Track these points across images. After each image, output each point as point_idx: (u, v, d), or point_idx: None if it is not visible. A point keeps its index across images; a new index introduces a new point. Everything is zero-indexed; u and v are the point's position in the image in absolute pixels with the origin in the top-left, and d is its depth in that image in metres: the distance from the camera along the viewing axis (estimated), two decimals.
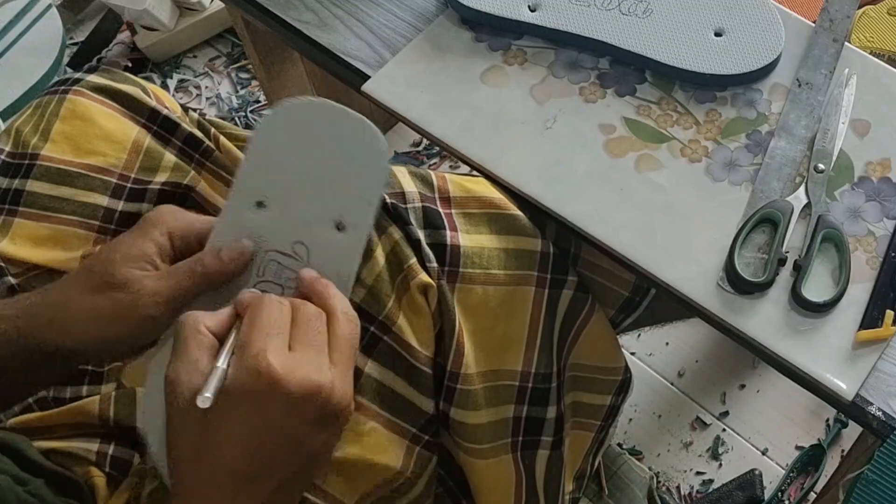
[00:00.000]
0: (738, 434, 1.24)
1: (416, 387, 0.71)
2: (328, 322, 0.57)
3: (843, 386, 0.67)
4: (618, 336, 0.85)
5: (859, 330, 0.68)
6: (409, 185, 0.72)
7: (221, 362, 0.53)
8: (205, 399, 0.51)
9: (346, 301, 0.60)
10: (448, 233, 0.71)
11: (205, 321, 0.56)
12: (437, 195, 0.72)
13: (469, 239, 0.72)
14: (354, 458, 0.69)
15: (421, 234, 0.70)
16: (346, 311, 0.58)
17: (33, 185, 0.77)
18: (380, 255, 0.68)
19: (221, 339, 0.56)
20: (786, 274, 0.71)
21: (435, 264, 0.70)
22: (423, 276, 0.69)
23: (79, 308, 0.61)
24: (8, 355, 0.62)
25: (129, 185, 0.80)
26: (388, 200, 0.70)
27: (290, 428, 0.53)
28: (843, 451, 1.22)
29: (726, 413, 1.25)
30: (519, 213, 0.74)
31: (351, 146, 0.65)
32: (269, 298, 0.57)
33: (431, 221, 0.71)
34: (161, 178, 0.81)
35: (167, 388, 0.54)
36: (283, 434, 0.53)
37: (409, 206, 0.70)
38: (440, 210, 0.71)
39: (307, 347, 0.55)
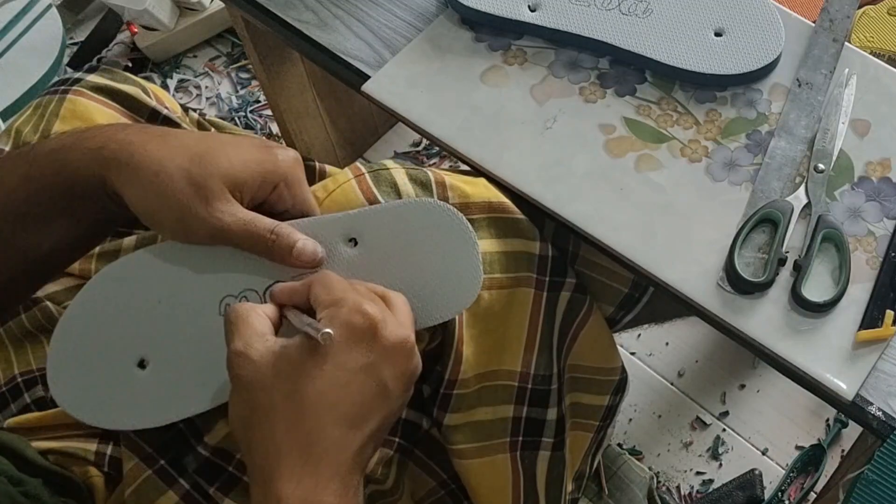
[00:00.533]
0: (738, 434, 1.24)
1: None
2: (387, 301, 0.60)
3: (843, 386, 0.67)
4: (617, 335, 0.85)
5: (859, 330, 0.68)
6: (409, 193, 0.71)
7: (310, 320, 0.56)
8: (326, 335, 0.54)
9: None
10: None
11: (259, 307, 0.58)
12: (436, 199, 0.72)
13: None
14: None
15: None
16: (399, 294, 0.61)
17: None
18: None
19: (273, 324, 0.58)
20: (786, 274, 0.71)
21: None
22: None
23: (164, 183, 0.59)
24: (81, 186, 0.61)
25: None
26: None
27: (385, 375, 0.56)
28: (843, 451, 1.22)
29: (726, 413, 1.25)
30: (517, 215, 0.74)
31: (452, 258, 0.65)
32: (327, 272, 0.60)
33: None
34: None
35: (239, 361, 0.55)
36: (380, 380, 0.56)
37: None
38: None
39: (381, 308, 0.57)
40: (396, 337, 0.56)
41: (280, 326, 0.59)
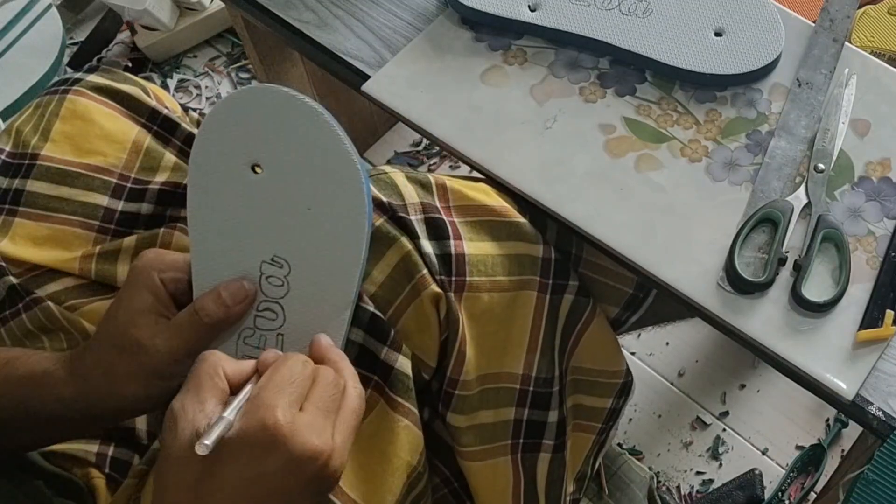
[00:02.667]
0: (738, 434, 1.24)
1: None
2: (342, 394, 0.58)
3: (844, 386, 0.67)
4: (619, 336, 0.85)
5: (859, 330, 0.68)
6: (411, 194, 0.71)
7: (229, 413, 0.53)
8: (203, 446, 0.51)
9: (356, 375, 0.60)
10: (453, 242, 0.70)
11: (225, 367, 0.57)
12: (437, 202, 0.72)
13: (473, 247, 0.71)
14: (392, 458, 0.69)
15: (429, 247, 0.69)
16: (356, 386, 0.59)
17: (33, 185, 0.78)
18: (389, 265, 0.68)
19: (235, 389, 0.56)
20: (786, 274, 0.71)
21: (445, 278, 0.69)
22: (434, 287, 0.68)
23: (115, 371, 0.61)
24: (58, 416, 0.62)
25: (129, 185, 0.80)
26: (394, 207, 0.70)
27: (284, 487, 0.53)
28: (843, 450, 1.22)
29: (726, 413, 1.25)
30: (520, 219, 0.74)
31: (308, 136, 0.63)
32: (296, 356, 0.57)
33: (436, 231, 0.70)
34: (161, 177, 0.81)
35: (169, 420, 0.54)
36: (277, 492, 0.53)
37: (413, 217, 0.69)
38: (444, 218, 0.71)
39: (318, 411, 0.55)
40: (304, 450, 0.53)
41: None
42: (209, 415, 0.53)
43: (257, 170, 0.63)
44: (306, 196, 0.63)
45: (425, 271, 0.68)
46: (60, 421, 0.63)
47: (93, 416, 0.63)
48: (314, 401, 0.55)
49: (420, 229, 0.69)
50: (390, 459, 0.69)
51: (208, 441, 0.51)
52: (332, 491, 0.57)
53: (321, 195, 0.63)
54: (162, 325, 0.61)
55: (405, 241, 0.68)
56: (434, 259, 0.69)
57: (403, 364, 0.68)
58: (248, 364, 0.58)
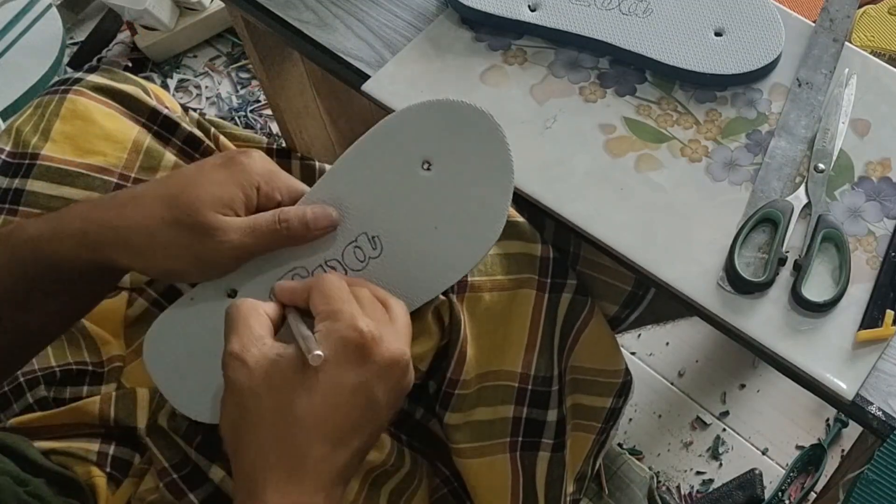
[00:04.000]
0: (738, 434, 1.24)
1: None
2: (387, 308, 0.59)
3: (844, 386, 0.67)
4: (618, 335, 0.85)
5: (859, 330, 0.68)
6: None
7: (306, 331, 0.55)
8: (317, 356, 0.53)
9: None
10: None
11: (262, 306, 0.58)
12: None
13: None
14: None
15: None
16: (399, 302, 0.60)
17: (34, 185, 0.78)
18: None
19: (274, 325, 0.58)
20: (786, 274, 0.71)
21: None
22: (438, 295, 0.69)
23: (160, 241, 0.60)
24: (72, 270, 0.61)
25: (129, 184, 0.80)
26: None
27: (377, 393, 0.55)
28: (843, 450, 1.22)
29: (726, 413, 1.25)
30: (518, 218, 0.74)
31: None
32: (330, 276, 0.59)
33: None
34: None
35: (234, 364, 0.55)
36: (371, 398, 0.55)
37: None
38: None
39: (378, 321, 0.57)
40: (391, 354, 0.55)
41: (281, 326, 0.59)
42: (272, 345, 0.55)
43: (426, 166, 0.65)
44: (452, 205, 0.65)
45: None
46: (62, 283, 0.62)
47: (97, 270, 0.61)
48: (370, 314, 0.57)
49: None
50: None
51: (319, 351, 0.53)
52: (404, 396, 0.59)
53: (462, 213, 0.65)
54: (237, 221, 0.61)
55: None
56: None
57: None
58: (272, 304, 0.59)
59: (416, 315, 0.69)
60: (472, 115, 0.65)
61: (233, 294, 0.66)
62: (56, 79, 1.52)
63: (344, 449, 0.55)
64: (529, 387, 0.76)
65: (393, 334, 0.57)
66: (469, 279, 0.71)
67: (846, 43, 0.82)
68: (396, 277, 0.65)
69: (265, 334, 0.56)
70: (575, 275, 0.77)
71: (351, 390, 0.54)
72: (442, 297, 0.69)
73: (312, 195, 0.65)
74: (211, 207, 0.60)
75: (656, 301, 0.85)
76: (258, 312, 0.57)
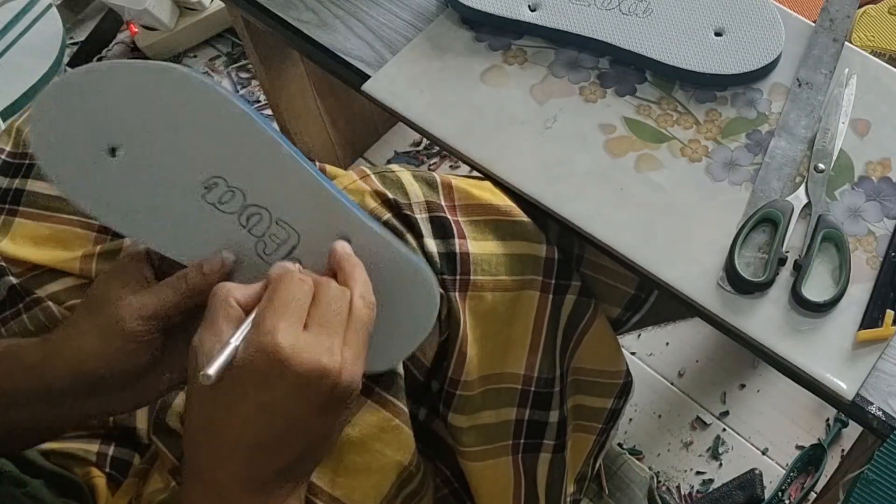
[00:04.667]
0: (738, 434, 1.24)
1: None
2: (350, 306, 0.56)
3: (844, 386, 0.67)
4: (619, 336, 0.85)
5: (859, 330, 0.68)
6: (416, 193, 0.71)
7: (234, 338, 0.52)
8: (205, 377, 0.50)
9: (368, 286, 0.58)
10: (457, 241, 0.70)
11: (235, 293, 0.55)
12: (442, 201, 0.72)
13: (477, 246, 0.71)
14: (377, 455, 0.69)
15: (433, 245, 0.69)
16: (364, 296, 0.57)
17: (34, 185, 0.78)
18: None
19: (249, 312, 0.55)
20: (786, 274, 0.71)
21: (449, 277, 0.69)
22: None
23: (79, 331, 0.60)
24: (28, 388, 0.61)
25: None
26: (399, 204, 0.69)
27: (294, 410, 0.52)
28: (843, 450, 1.22)
29: (726, 413, 1.25)
30: (523, 218, 0.74)
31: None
32: (292, 275, 0.56)
33: (441, 230, 0.70)
34: None
35: (190, 357, 0.53)
36: (289, 417, 0.52)
37: (418, 215, 0.69)
38: (448, 217, 0.71)
39: (322, 328, 0.54)
40: (312, 369, 0.52)
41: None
42: (225, 343, 0.53)
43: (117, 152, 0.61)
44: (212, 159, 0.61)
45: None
46: (25, 399, 0.61)
47: (54, 390, 0.61)
48: (317, 318, 0.54)
49: (425, 228, 0.69)
50: (378, 458, 0.68)
51: (210, 370, 0.50)
52: (348, 409, 0.56)
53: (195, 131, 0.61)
54: (139, 286, 0.60)
55: (410, 239, 0.68)
56: (437, 258, 0.69)
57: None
58: (257, 285, 0.57)
59: None
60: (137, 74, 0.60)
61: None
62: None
63: (265, 466, 0.53)
64: (532, 388, 0.76)
65: (327, 344, 0.53)
66: (472, 277, 0.71)
67: (846, 43, 0.82)
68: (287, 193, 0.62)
69: (226, 329, 0.54)
70: (579, 276, 0.77)
71: (262, 409, 0.52)
72: (441, 291, 0.69)
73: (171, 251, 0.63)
74: (106, 285, 0.60)
75: (659, 303, 0.85)
76: (228, 303, 0.55)
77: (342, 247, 0.60)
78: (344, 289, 0.56)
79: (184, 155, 0.62)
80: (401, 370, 0.68)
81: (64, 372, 0.60)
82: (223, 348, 0.52)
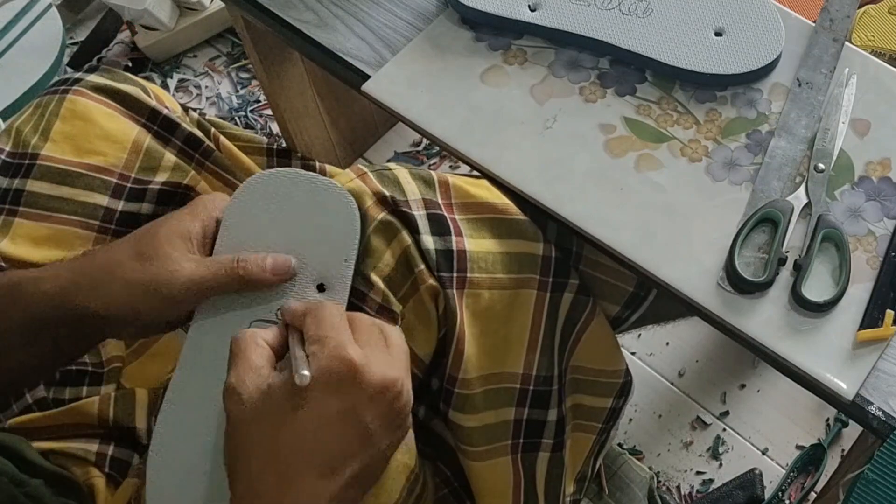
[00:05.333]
0: (738, 434, 1.24)
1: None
2: (385, 333, 0.59)
3: (844, 385, 0.67)
4: (619, 336, 0.85)
5: (859, 330, 0.68)
6: (413, 191, 0.71)
7: (298, 350, 0.55)
8: (302, 376, 0.53)
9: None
10: (454, 238, 0.70)
11: (262, 334, 0.58)
12: (439, 199, 0.72)
13: (474, 243, 0.71)
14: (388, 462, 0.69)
15: (430, 242, 0.69)
16: (395, 328, 0.61)
17: (33, 185, 0.78)
18: (390, 259, 0.68)
19: (276, 351, 0.58)
20: (786, 274, 0.71)
21: (446, 273, 0.69)
22: (433, 282, 0.69)
23: (118, 273, 0.61)
24: (47, 315, 0.62)
25: (129, 184, 0.80)
26: (396, 201, 0.70)
27: (366, 419, 0.54)
28: (843, 450, 1.21)
29: (726, 413, 1.25)
30: (520, 217, 0.74)
31: (323, 209, 0.66)
32: (327, 303, 0.59)
33: (438, 227, 0.70)
34: (161, 177, 0.81)
35: (230, 397, 0.55)
36: (361, 425, 0.54)
37: (415, 212, 0.69)
38: (445, 215, 0.71)
39: (372, 347, 0.56)
40: (380, 380, 0.55)
41: (286, 352, 0.59)
42: (267, 375, 0.55)
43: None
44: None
45: (423, 266, 0.68)
46: (42, 324, 0.62)
47: (74, 318, 0.62)
48: (363, 340, 0.57)
49: (422, 224, 0.69)
50: (389, 464, 0.69)
51: (305, 371, 0.53)
52: (403, 427, 0.59)
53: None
54: (195, 256, 0.62)
55: (405, 235, 0.68)
56: (434, 254, 0.69)
57: None
58: (275, 329, 0.60)
59: (413, 301, 0.69)
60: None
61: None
62: (56, 79, 1.52)
63: (332, 479, 0.54)
64: (531, 387, 0.76)
65: (385, 360, 0.56)
66: (468, 275, 0.71)
67: (846, 43, 0.82)
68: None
69: (263, 364, 0.56)
70: (577, 275, 0.77)
71: (337, 418, 0.54)
72: (437, 285, 0.69)
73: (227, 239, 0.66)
74: (168, 239, 0.62)
75: (658, 302, 0.85)
76: (256, 343, 0.57)
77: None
78: (372, 319, 0.60)
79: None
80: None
81: (87, 307, 0.61)
82: (297, 359, 0.54)
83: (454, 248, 0.70)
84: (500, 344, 0.74)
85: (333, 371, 0.54)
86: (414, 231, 0.68)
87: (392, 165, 0.72)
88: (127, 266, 0.61)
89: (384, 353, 0.57)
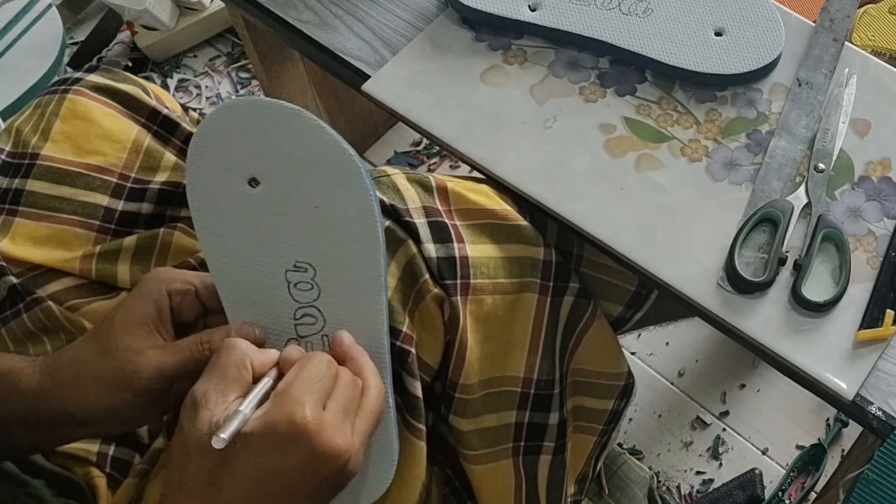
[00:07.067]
0: (738, 434, 1.24)
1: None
2: (363, 392, 0.58)
3: (844, 385, 0.67)
4: (620, 336, 0.85)
5: (859, 329, 0.68)
6: (413, 198, 0.71)
7: (245, 407, 0.54)
8: (220, 440, 0.51)
9: (377, 373, 0.60)
10: (456, 245, 0.70)
11: (253, 357, 0.57)
12: (439, 205, 0.72)
13: (475, 249, 0.71)
14: (406, 479, 0.69)
15: (433, 250, 0.69)
16: (377, 385, 0.59)
17: (33, 185, 0.78)
18: (395, 269, 0.68)
19: (257, 381, 0.57)
20: (786, 274, 0.71)
21: (449, 281, 0.69)
22: (438, 290, 0.69)
23: (86, 372, 0.60)
24: (22, 413, 0.61)
25: (129, 184, 0.80)
26: (398, 210, 0.69)
27: (300, 483, 0.53)
28: (843, 450, 1.22)
29: (726, 413, 1.25)
30: (521, 221, 0.73)
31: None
32: (321, 355, 0.58)
33: (439, 235, 0.70)
34: (161, 177, 0.81)
35: (189, 406, 0.54)
36: (291, 488, 0.53)
37: (417, 220, 0.69)
38: (446, 221, 0.71)
39: (340, 410, 0.55)
40: (328, 448, 0.53)
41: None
42: (230, 408, 0.54)
43: (253, 184, 0.63)
44: (311, 197, 0.63)
45: (427, 276, 0.68)
46: (19, 423, 0.62)
47: (49, 419, 0.61)
48: (337, 400, 0.55)
49: (423, 233, 0.69)
50: (406, 480, 0.70)
51: (225, 435, 0.51)
52: (339, 490, 0.57)
53: (326, 193, 0.63)
54: (157, 340, 0.61)
55: (411, 244, 0.68)
56: (437, 263, 0.69)
57: (416, 387, 0.69)
58: (272, 355, 0.59)
59: (420, 310, 0.69)
60: (274, 111, 0.63)
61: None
62: (56, 79, 1.52)
63: None
64: (532, 391, 0.76)
65: (342, 429, 0.55)
66: (472, 281, 0.70)
67: (846, 43, 0.82)
68: (344, 269, 0.64)
69: (233, 390, 0.55)
70: (577, 278, 0.77)
71: (270, 477, 0.53)
72: (441, 293, 0.69)
73: (226, 295, 0.64)
74: (125, 329, 0.60)
75: (660, 301, 0.85)
76: (243, 365, 0.56)
77: (346, 336, 0.62)
78: (356, 378, 0.58)
79: (300, 219, 0.64)
80: (420, 393, 0.68)
81: (62, 408, 0.61)
82: (234, 416, 0.53)
83: (457, 254, 0.70)
84: (501, 348, 0.74)
85: (278, 430, 0.53)
86: (416, 240, 0.68)
87: (389, 170, 0.72)
88: (92, 364, 0.60)
89: (344, 418, 0.55)
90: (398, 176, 0.72)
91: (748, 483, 1.17)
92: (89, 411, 0.61)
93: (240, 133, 0.63)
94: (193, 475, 0.53)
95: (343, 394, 0.56)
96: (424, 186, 0.72)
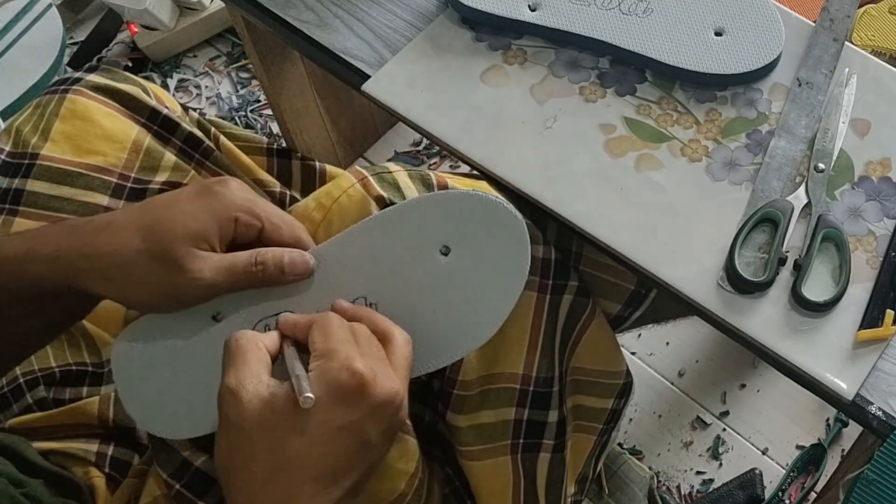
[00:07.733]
0: (738, 434, 1.24)
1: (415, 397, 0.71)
2: (388, 343, 0.59)
3: (844, 385, 0.67)
4: (618, 335, 0.85)
5: (859, 329, 0.68)
6: (414, 195, 0.71)
7: (299, 370, 0.55)
8: (307, 399, 0.52)
9: (395, 324, 0.61)
10: None
11: (262, 339, 0.57)
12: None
13: None
14: (387, 468, 0.69)
15: None
16: (402, 334, 0.60)
17: (33, 185, 0.78)
18: None
19: (273, 358, 0.58)
20: (786, 273, 0.71)
21: None
22: None
23: (134, 272, 0.59)
24: (47, 291, 0.61)
25: (129, 184, 0.80)
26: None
27: (369, 432, 0.55)
28: (843, 450, 1.22)
29: (727, 413, 1.25)
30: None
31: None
32: (331, 315, 0.59)
33: None
34: (161, 177, 0.81)
35: (229, 400, 0.54)
36: (363, 437, 0.54)
37: None
38: None
39: (375, 360, 0.56)
40: (385, 394, 0.55)
41: (278, 358, 0.59)
42: (267, 383, 0.55)
43: (443, 251, 0.64)
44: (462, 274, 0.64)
45: None
46: (41, 300, 0.61)
47: (74, 293, 0.61)
48: (365, 352, 0.56)
49: None
50: (390, 473, 0.69)
51: (309, 393, 0.53)
52: (396, 436, 0.59)
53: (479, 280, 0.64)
54: (213, 256, 0.61)
55: None
56: None
57: None
58: (274, 334, 0.59)
59: None
60: (499, 211, 0.64)
61: (217, 318, 0.64)
62: (56, 79, 1.52)
63: (335, 488, 0.54)
64: (531, 388, 0.76)
65: (388, 373, 0.56)
66: None
67: (846, 42, 0.82)
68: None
69: (262, 370, 0.55)
70: (577, 276, 0.77)
71: (343, 432, 0.54)
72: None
73: (323, 249, 0.64)
74: (185, 241, 0.60)
75: (659, 300, 0.85)
76: (257, 347, 0.57)
77: (346, 302, 0.63)
78: (372, 331, 0.59)
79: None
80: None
81: (95, 292, 0.60)
82: (302, 377, 0.54)
83: None
84: (499, 345, 0.74)
85: (343, 386, 0.54)
86: None
87: (391, 167, 0.72)
88: (143, 267, 0.59)
89: (386, 366, 0.57)
90: (400, 173, 0.72)
91: (748, 483, 1.17)
92: (127, 302, 0.61)
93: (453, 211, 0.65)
94: (263, 453, 0.53)
95: (369, 345, 0.57)
96: (426, 184, 0.72)
